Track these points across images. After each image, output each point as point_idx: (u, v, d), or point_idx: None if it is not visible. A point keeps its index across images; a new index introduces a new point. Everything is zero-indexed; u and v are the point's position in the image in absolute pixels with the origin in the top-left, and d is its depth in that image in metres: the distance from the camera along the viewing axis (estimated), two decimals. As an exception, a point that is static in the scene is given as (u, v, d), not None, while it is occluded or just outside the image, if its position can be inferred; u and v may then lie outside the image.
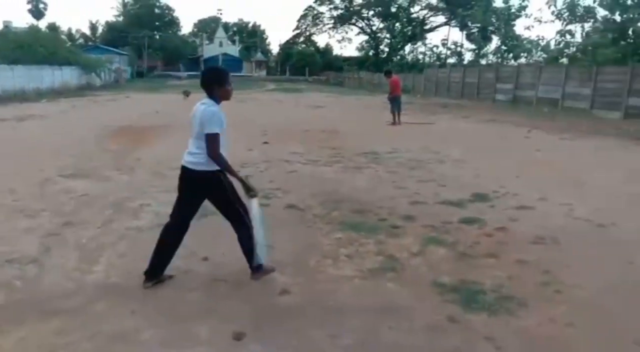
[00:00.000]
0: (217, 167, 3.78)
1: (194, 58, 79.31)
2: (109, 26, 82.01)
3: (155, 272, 3.93)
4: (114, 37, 73.75)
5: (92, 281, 4.04)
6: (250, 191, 3.89)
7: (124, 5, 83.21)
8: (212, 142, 3.67)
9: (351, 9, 65.09)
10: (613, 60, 22.34)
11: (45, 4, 76.78)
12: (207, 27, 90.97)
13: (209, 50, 79.17)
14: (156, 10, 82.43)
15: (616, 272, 4.32)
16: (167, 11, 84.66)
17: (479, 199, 6.70)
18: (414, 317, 3.49)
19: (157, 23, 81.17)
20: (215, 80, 3.82)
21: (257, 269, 4.02)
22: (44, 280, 4.07)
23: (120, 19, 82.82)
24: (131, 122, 15.97)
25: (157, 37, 78.05)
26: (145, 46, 68.95)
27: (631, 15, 24.12)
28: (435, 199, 6.75)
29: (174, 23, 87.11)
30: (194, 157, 3.78)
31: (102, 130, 13.57)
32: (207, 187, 3.85)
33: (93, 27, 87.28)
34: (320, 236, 5.20)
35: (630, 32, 24.37)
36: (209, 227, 4.83)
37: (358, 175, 8.38)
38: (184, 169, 3.84)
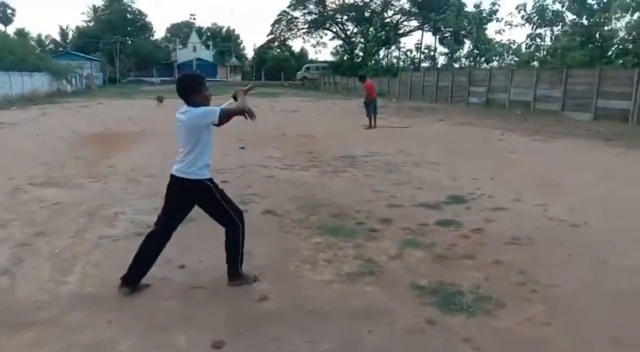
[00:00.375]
0: (207, 176, 3.79)
1: (168, 63, 78.58)
2: (80, 32, 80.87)
3: (133, 278, 3.87)
4: (85, 42, 72.74)
5: (67, 292, 3.95)
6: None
7: (95, 10, 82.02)
8: (227, 117, 3.76)
9: (325, 13, 65.27)
10: (582, 63, 22.88)
11: (13, 9, 75.34)
12: (180, 32, 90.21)
13: (183, 55, 78.60)
14: (128, 16, 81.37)
15: (590, 272, 4.40)
16: (139, 16, 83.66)
17: (455, 201, 6.77)
18: (394, 320, 3.50)
19: (129, 28, 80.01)
20: (192, 88, 3.75)
21: (235, 276, 4.00)
22: (17, 292, 3.97)
23: (91, 24, 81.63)
24: (104, 128, 15.74)
25: (130, 42, 77.01)
26: (117, 52, 68.01)
27: (597, 19, 24.80)
28: (411, 201, 6.80)
29: (146, 28, 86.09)
30: (183, 166, 3.73)
31: (74, 138, 13.35)
32: (199, 195, 3.83)
33: (63, 33, 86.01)
34: (299, 240, 5.19)
35: (597, 35, 25.04)
36: (186, 234, 4.77)
37: (335, 179, 8.40)
38: (174, 178, 3.78)
